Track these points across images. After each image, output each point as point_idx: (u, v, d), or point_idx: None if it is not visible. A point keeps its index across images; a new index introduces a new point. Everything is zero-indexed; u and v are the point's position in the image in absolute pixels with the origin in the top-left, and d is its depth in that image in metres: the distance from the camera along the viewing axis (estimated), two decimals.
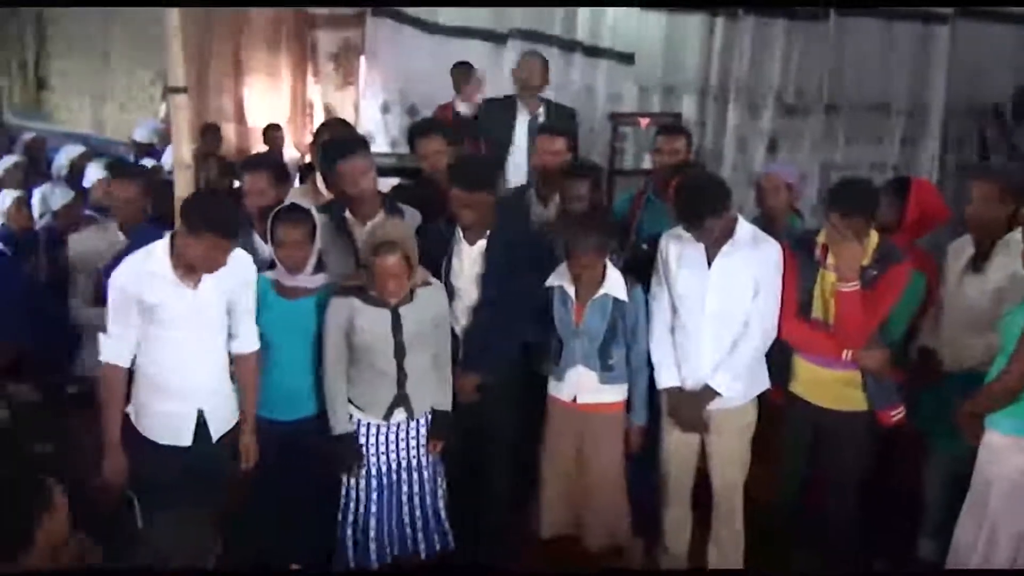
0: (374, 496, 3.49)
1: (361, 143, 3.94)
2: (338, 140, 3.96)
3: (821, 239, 3.43)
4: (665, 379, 3.55)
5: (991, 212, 3.58)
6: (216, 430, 3.31)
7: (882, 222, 3.65)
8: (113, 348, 3.16)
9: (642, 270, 3.67)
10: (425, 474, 3.55)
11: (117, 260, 3.36)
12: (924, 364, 3.73)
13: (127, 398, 3.24)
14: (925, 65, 6.63)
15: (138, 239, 3.71)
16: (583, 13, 6.96)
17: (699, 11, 6.71)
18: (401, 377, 3.42)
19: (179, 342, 3.17)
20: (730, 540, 3.68)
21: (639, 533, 3.82)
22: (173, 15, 3.64)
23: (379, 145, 7.25)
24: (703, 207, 3.29)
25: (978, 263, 3.62)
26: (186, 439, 3.24)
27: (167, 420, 3.23)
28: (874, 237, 3.35)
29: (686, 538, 3.77)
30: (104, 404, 3.18)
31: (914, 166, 6.71)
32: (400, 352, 3.38)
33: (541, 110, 5.20)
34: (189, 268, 3.13)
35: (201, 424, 3.26)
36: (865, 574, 3.81)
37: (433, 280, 3.47)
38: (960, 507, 3.37)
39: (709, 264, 3.41)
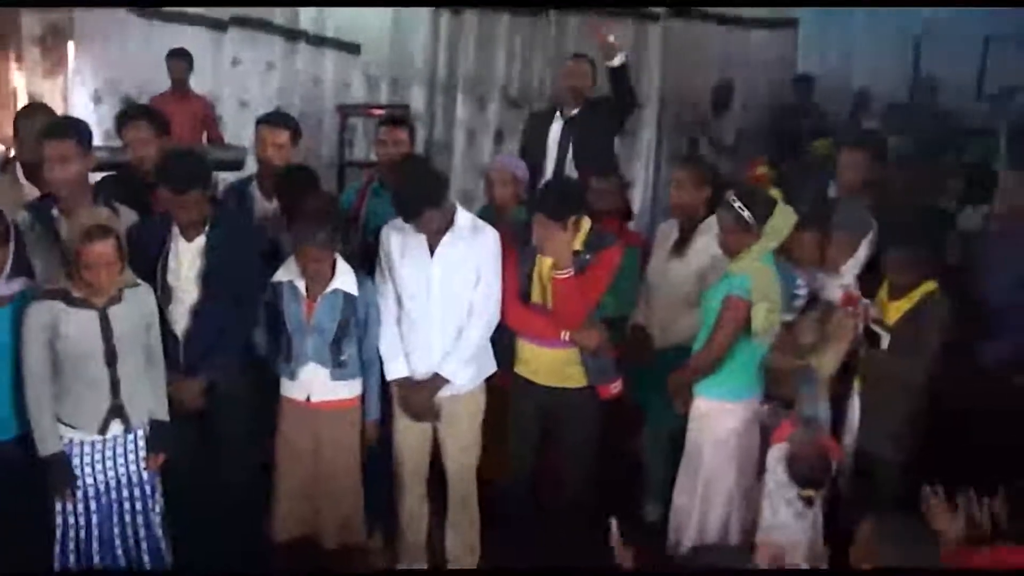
0: (94, 519, 3.25)
1: (71, 126, 3.59)
2: (45, 120, 3.63)
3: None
4: (394, 371, 3.55)
5: (690, 198, 3.85)
6: None
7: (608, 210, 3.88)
8: None
9: (369, 262, 3.66)
10: (146, 489, 3.35)
11: None
12: (636, 341, 3.94)
13: None
14: (641, 60, 7.04)
15: None
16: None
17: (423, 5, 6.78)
18: (114, 385, 3.19)
19: None
20: (466, 524, 3.76)
21: (378, 528, 3.82)
22: None
23: None
24: (421, 199, 3.32)
25: (681, 246, 3.88)
26: None
27: None
28: (586, 223, 3.48)
29: (423, 527, 3.80)
30: None
31: (633, 155, 7.12)
32: (112, 357, 3.16)
33: None
34: None
35: None
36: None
37: (141, 281, 3.27)
38: (677, 471, 3.63)
39: (431, 254, 3.45)
